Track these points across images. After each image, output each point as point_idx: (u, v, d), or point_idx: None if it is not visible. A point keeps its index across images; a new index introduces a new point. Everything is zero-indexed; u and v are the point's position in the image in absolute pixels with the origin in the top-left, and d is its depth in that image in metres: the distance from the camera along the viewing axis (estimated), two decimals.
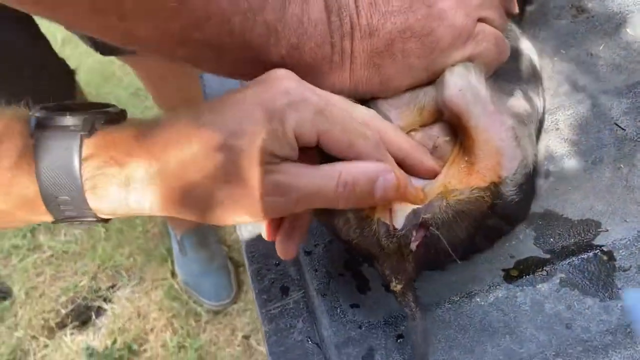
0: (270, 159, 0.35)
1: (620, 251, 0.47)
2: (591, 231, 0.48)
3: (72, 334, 1.46)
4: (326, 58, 0.42)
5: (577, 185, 0.51)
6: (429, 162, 0.42)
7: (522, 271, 0.47)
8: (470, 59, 0.43)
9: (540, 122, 0.49)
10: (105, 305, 1.50)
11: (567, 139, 0.54)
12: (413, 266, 0.41)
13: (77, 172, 0.35)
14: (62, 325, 1.48)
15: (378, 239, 0.41)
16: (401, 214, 0.40)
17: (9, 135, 0.36)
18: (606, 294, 0.44)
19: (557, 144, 0.53)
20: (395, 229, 0.40)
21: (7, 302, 1.53)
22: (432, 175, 0.43)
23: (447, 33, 0.42)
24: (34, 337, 1.48)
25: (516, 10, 0.54)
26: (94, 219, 0.38)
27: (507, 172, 0.41)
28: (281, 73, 0.38)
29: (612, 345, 0.42)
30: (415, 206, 0.41)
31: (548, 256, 0.47)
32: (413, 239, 0.40)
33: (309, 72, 0.42)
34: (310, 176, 0.36)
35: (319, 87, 0.41)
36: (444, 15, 0.42)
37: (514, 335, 0.43)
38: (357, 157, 0.38)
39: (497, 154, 0.41)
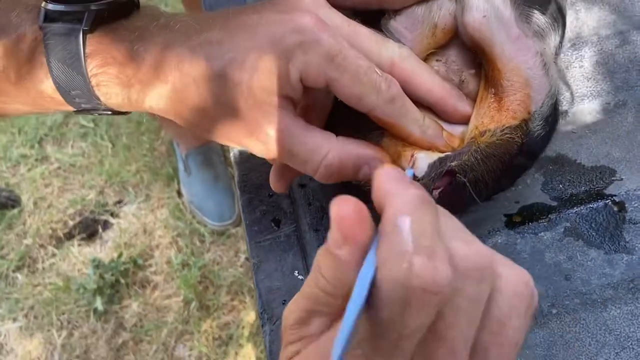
0: (266, 97, 0.34)
1: (633, 202, 0.44)
2: (604, 179, 0.45)
3: (79, 245, 1.49)
4: None
5: (595, 128, 0.48)
6: (463, 107, 0.39)
7: (525, 217, 0.44)
8: None
9: (560, 43, 0.45)
10: (111, 220, 1.51)
11: (590, 77, 0.50)
12: None
13: (83, 69, 0.35)
14: (69, 236, 1.51)
15: None
16: (424, 161, 0.37)
17: (21, 27, 0.35)
18: (612, 247, 0.42)
19: (579, 82, 0.49)
20: (415, 177, 0.37)
21: (16, 211, 1.55)
22: (466, 120, 0.40)
23: None
24: (42, 245, 1.51)
25: None
26: (110, 112, 0.38)
27: (536, 106, 0.38)
28: (308, 4, 0.35)
29: (612, 300, 0.40)
30: (444, 154, 0.38)
31: (555, 203, 0.45)
32: (435, 186, 0.37)
33: None
34: (298, 140, 0.35)
35: None
36: None
37: None
38: (366, 112, 0.35)
39: (526, 85, 0.37)
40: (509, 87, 0.37)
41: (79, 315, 1.40)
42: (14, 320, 1.42)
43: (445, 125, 0.39)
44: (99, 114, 0.38)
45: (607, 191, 0.45)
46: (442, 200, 0.38)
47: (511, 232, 0.44)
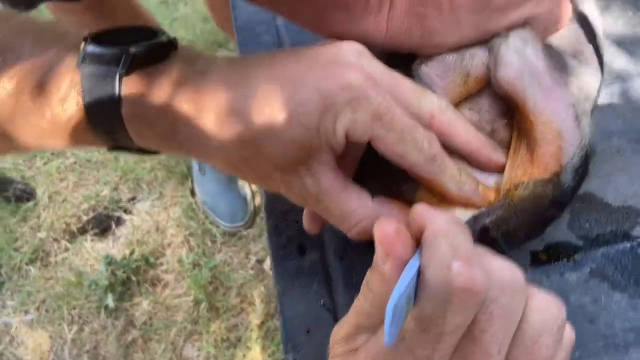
0: (311, 153, 0.35)
1: None
2: (631, 220, 0.45)
3: (92, 240, 1.50)
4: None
5: (623, 167, 0.48)
6: (498, 158, 0.40)
7: (551, 256, 0.44)
8: (527, 21, 0.39)
9: (595, 99, 0.45)
10: (125, 217, 1.53)
11: (620, 115, 0.49)
12: None
13: (119, 112, 0.35)
14: (83, 231, 1.52)
15: None
16: (460, 218, 0.38)
17: (59, 66, 0.35)
18: (637, 290, 0.42)
19: (609, 120, 0.49)
20: None
21: (31, 204, 1.57)
22: (500, 170, 0.40)
23: None
24: (55, 239, 1.52)
25: None
26: (146, 152, 0.39)
27: (568, 158, 0.38)
28: (352, 56, 0.35)
29: (635, 344, 0.41)
30: (478, 211, 0.38)
31: (581, 243, 0.45)
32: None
33: (340, 12, 0.38)
34: (335, 201, 0.36)
35: (349, 31, 0.38)
36: None
37: None
38: (406, 168, 0.36)
39: (559, 138, 0.37)
40: (542, 139, 0.37)
41: (90, 311, 1.41)
42: (26, 313, 1.43)
43: (479, 175, 0.40)
44: (135, 153, 0.39)
45: (634, 232, 0.45)
46: None
47: (537, 270, 0.44)
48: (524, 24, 0.39)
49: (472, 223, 0.38)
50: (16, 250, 1.51)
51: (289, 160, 0.35)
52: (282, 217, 0.49)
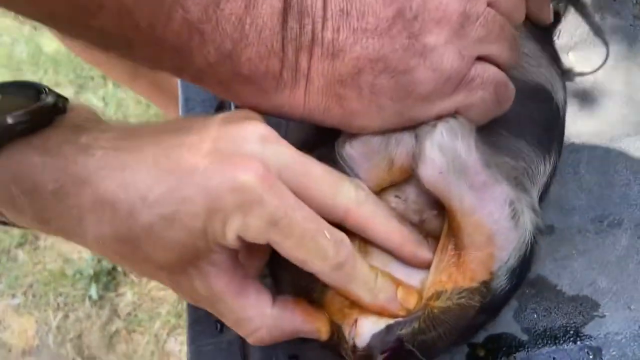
0: (198, 255, 0.31)
1: (611, 350, 0.39)
2: (584, 314, 0.41)
3: None
4: (271, 74, 0.32)
5: (583, 250, 0.43)
6: (422, 254, 0.35)
7: (490, 352, 0.40)
8: (458, 111, 0.34)
9: (547, 186, 0.40)
10: None
11: (585, 188, 0.44)
12: None
13: None
14: None
15: (339, 345, 0.35)
16: (368, 330, 0.33)
17: None
18: None
19: (571, 193, 0.44)
20: (355, 347, 0.33)
21: None
22: (427, 266, 0.36)
23: (430, 77, 0.32)
24: None
25: (550, 19, 0.42)
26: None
27: (500, 263, 0.33)
28: (252, 143, 0.31)
29: None
30: (393, 320, 0.34)
31: (525, 337, 0.40)
32: (380, 351, 0.34)
33: (248, 88, 0.33)
34: (227, 307, 0.32)
35: (262, 105, 0.34)
36: (429, 54, 0.31)
37: None
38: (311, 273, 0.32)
39: (489, 244, 0.33)
40: (470, 244, 0.33)
41: (76, 299, 1.41)
42: (13, 296, 1.44)
43: (404, 270, 0.35)
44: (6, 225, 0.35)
45: (585, 330, 0.40)
46: None
47: None
48: (456, 112, 0.33)
49: (385, 333, 0.34)
50: (5, 232, 1.51)
51: (172, 261, 0.31)
52: None
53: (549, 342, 0.40)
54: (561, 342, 0.40)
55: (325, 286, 0.35)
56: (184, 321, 1.36)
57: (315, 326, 0.34)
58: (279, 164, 0.31)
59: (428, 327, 0.33)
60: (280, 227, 0.30)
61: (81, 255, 1.45)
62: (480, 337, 0.41)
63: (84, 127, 0.32)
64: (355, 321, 0.33)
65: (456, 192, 0.32)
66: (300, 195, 0.31)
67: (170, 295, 1.39)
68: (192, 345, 0.42)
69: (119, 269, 1.41)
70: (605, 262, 0.42)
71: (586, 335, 0.40)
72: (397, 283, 0.34)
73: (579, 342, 0.40)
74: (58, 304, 1.41)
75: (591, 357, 0.39)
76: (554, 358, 0.39)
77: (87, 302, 1.39)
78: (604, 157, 0.45)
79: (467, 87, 0.33)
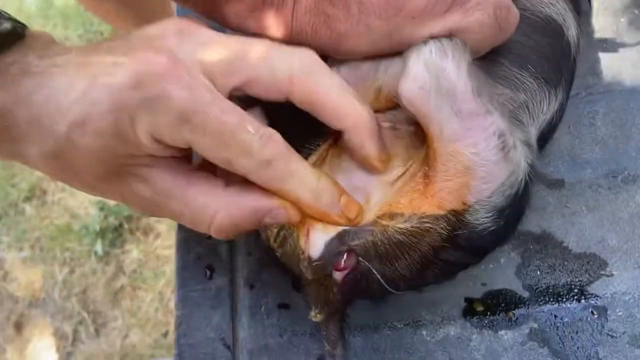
0: (121, 161, 0.29)
1: (617, 310, 0.37)
2: (591, 272, 0.39)
3: None
4: None
5: (593, 206, 0.40)
6: (377, 144, 0.32)
7: (489, 307, 0.38)
8: (453, 33, 0.31)
9: (552, 125, 0.37)
10: None
11: (599, 140, 0.41)
12: (339, 298, 0.33)
13: None
14: None
15: (298, 263, 0.33)
16: (320, 240, 0.31)
17: None
18: None
19: (584, 145, 0.41)
20: (310, 257, 0.31)
21: None
22: (378, 162, 0.32)
23: None
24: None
25: None
26: None
27: (479, 196, 0.31)
28: (168, 38, 0.29)
29: None
30: (342, 228, 0.32)
31: (526, 294, 0.38)
32: (339, 267, 0.32)
33: (234, 7, 0.31)
34: (179, 201, 0.30)
35: (247, 25, 0.32)
36: None
37: None
38: (242, 175, 0.29)
39: (465, 173, 0.30)
40: (443, 173, 0.30)
41: (82, 254, 1.41)
42: (20, 249, 1.45)
43: (352, 181, 0.33)
44: None
45: (591, 289, 0.38)
46: (348, 286, 0.32)
47: (468, 323, 0.38)
48: (450, 35, 0.31)
49: (337, 242, 0.32)
50: (13, 186, 1.51)
51: (100, 170, 0.29)
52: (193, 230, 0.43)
53: (552, 299, 0.38)
54: (564, 300, 0.38)
55: None
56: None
57: (279, 202, 0.30)
58: (200, 54, 0.29)
59: (385, 247, 0.31)
60: (193, 124, 0.27)
61: (88, 212, 1.45)
62: (479, 293, 0.39)
63: (37, 50, 0.30)
64: (307, 230, 0.32)
65: (436, 115, 0.30)
66: (235, 80, 0.29)
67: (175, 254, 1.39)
68: (181, 290, 0.41)
69: (125, 226, 1.41)
70: (616, 220, 0.40)
71: (591, 294, 0.38)
72: (341, 191, 0.31)
73: (583, 301, 0.38)
74: (64, 259, 1.42)
75: (595, 316, 0.37)
76: (555, 316, 0.37)
77: (93, 258, 1.40)
78: (622, 109, 0.42)
79: (462, 7, 0.30)
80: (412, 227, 0.31)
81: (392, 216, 0.32)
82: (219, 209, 0.30)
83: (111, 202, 1.43)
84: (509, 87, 0.34)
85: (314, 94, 0.30)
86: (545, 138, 0.38)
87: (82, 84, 0.27)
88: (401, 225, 0.31)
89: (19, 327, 1.38)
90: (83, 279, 1.40)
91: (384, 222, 0.32)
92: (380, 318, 0.38)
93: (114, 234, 1.41)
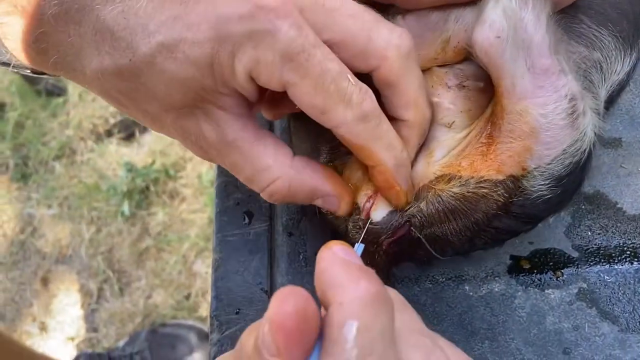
0: (201, 95, 0.27)
1: None
2: None
3: (117, 144, 1.50)
4: None
5: None
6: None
7: (535, 266, 0.37)
8: None
9: (622, 86, 0.35)
10: None
11: None
12: (384, 259, 0.32)
13: None
14: (109, 134, 1.52)
15: (346, 223, 0.32)
16: (384, 208, 0.31)
17: None
18: (630, 324, 0.35)
19: None
20: (368, 220, 0.31)
21: (61, 100, 1.56)
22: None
23: None
24: (82, 138, 1.52)
25: None
26: (28, 70, 0.32)
27: (539, 162, 0.29)
28: None
29: None
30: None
31: (575, 254, 0.37)
32: (393, 237, 0.31)
33: None
34: (242, 155, 0.29)
35: None
36: None
37: (495, 344, 0.35)
38: (329, 127, 0.28)
39: (530, 135, 0.29)
40: (507, 132, 0.29)
41: (109, 214, 1.43)
42: (49, 207, 1.47)
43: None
44: (17, 72, 0.32)
45: None
46: (394, 252, 0.31)
47: (513, 280, 0.37)
48: None
49: (397, 215, 0.31)
50: (44, 144, 1.53)
51: (176, 100, 0.28)
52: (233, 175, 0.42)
53: (602, 260, 0.36)
54: (616, 261, 0.36)
55: (347, 154, 0.32)
56: (211, 244, 1.37)
57: (339, 191, 0.31)
58: (305, 1, 0.27)
59: (438, 213, 0.30)
60: (297, 64, 0.26)
61: (116, 172, 1.46)
62: (526, 251, 0.38)
63: None
64: (376, 194, 0.30)
65: (510, 68, 0.28)
66: (330, 34, 0.27)
67: (199, 218, 1.40)
68: (219, 234, 0.41)
69: (152, 188, 1.42)
70: None
71: None
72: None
73: (635, 263, 0.36)
74: (92, 218, 1.44)
75: None
76: (605, 277, 0.36)
77: (119, 218, 1.41)
78: None
79: None
80: (468, 192, 0.30)
81: (449, 179, 0.30)
82: (283, 176, 0.29)
83: (139, 164, 1.44)
84: (584, 45, 0.32)
85: (400, 77, 0.29)
86: (612, 99, 0.36)
87: (174, 8, 0.26)
88: (456, 190, 0.30)
89: (45, 282, 1.40)
90: (109, 238, 1.41)
91: (439, 187, 0.30)
92: (422, 271, 0.37)
93: (141, 196, 1.42)
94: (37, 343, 1.33)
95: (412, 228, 0.30)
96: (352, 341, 0.19)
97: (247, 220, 0.41)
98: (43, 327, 1.37)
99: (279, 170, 0.29)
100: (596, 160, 0.39)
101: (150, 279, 1.37)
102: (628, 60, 0.34)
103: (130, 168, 1.42)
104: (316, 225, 0.40)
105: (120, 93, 0.29)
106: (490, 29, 0.28)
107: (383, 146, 0.29)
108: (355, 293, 0.19)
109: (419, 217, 0.30)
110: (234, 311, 0.38)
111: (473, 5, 0.30)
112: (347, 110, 0.27)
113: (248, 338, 0.21)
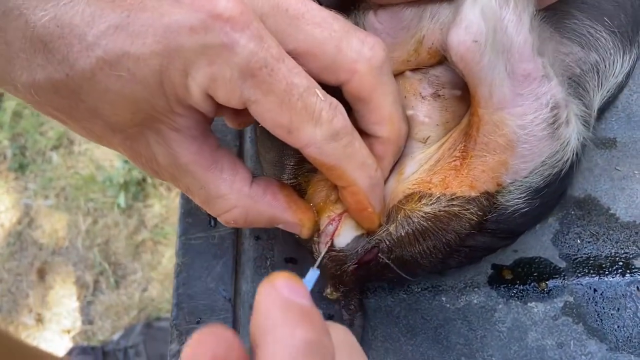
0: (151, 115, 0.25)
1: None
2: (638, 244, 0.34)
3: None
4: None
5: None
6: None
7: (518, 277, 0.34)
8: None
9: (621, 87, 0.32)
10: None
11: None
12: (354, 279, 0.30)
13: None
14: None
15: (313, 244, 0.29)
16: (350, 230, 0.28)
17: None
18: (620, 342, 0.32)
19: None
20: (332, 247, 0.28)
21: None
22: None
23: None
24: None
25: None
26: None
27: (515, 176, 0.27)
28: None
29: None
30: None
31: (562, 264, 0.34)
32: (360, 262, 0.28)
33: None
34: (197, 179, 0.26)
35: None
36: None
37: None
38: (298, 147, 0.25)
39: (506, 149, 0.26)
40: (482, 145, 0.26)
41: (105, 206, 1.41)
42: (46, 197, 1.45)
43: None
44: None
45: (638, 262, 0.33)
46: (362, 272, 0.29)
47: (494, 292, 0.34)
48: None
49: (365, 240, 0.28)
50: (41, 134, 1.51)
51: (124, 120, 0.25)
52: None
53: (592, 271, 0.34)
54: (606, 273, 0.33)
55: (311, 171, 0.29)
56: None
57: (299, 218, 0.29)
58: (264, 6, 0.24)
59: (408, 236, 0.28)
60: (258, 80, 0.23)
61: (112, 164, 1.44)
62: (509, 260, 0.35)
63: None
64: (340, 217, 0.28)
65: (488, 74, 0.25)
66: (294, 45, 0.25)
67: None
68: (182, 237, 0.38)
69: (149, 180, 1.40)
70: None
71: (638, 268, 0.33)
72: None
73: (628, 276, 0.33)
74: (88, 209, 1.42)
75: None
76: (595, 290, 0.33)
77: (116, 210, 1.39)
78: None
79: None
80: (439, 211, 0.27)
81: (420, 197, 0.28)
82: (239, 205, 0.27)
83: None
84: (579, 44, 0.29)
85: (372, 92, 0.26)
86: (608, 104, 0.33)
87: (115, 15, 0.23)
88: (427, 209, 0.27)
89: (42, 273, 1.39)
90: (105, 230, 1.40)
91: (408, 207, 0.28)
92: (396, 281, 0.35)
93: (137, 188, 1.40)
94: (33, 335, 1.32)
95: (379, 254, 0.28)
96: None
97: (212, 222, 0.38)
98: (39, 319, 1.36)
99: (235, 200, 0.27)
100: (588, 161, 0.36)
101: (146, 271, 1.35)
102: (628, 58, 0.31)
103: (126, 159, 1.40)
104: (284, 231, 0.37)
105: (58, 110, 0.25)
106: (466, 31, 0.24)
107: (356, 165, 0.26)
108: (288, 342, 0.17)
109: (387, 242, 0.28)
110: (195, 320, 0.36)
111: (451, 2, 0.27)
112: (317, 129, 0.24)
113: None
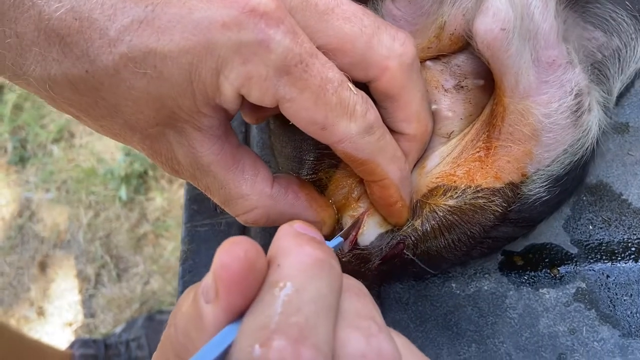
0: (176, 113, 0.24)
1: None
2: None
3: None
4: None
5: None
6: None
7: (529, 262, 0.34)
8: None
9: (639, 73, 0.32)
10: None
11: None
12: (376, 274, 0.29)
13: None
14: None
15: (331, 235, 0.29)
16: (374, 228, 0.28)
17: None
18: (633, 328, 0.31)
19: None
20: (356, 244, 0.28)
21: None
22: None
23: None
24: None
25: None
26: None
27: (539, 165, 0.26)
28: None
29: None
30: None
31: (574, 250, 0.34)
32: (378, 258, 0.28)
33: None
34: (218, 180, 0.26)
35: None
36: None
37: (482, 347, 0.32)
38: (330, 144, 0.25)
39: (531, 139, 0.25)
40: (507, 135, 0.26)
41: (106, 199, 1.41)
42: (47, 191, 1.45)
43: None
44: None
45: None
46: (384, 270, 0.28)
47: (504, 278, 0.33)
48: None
49: (387, 237, 0.28)
50: (42, 127, 1.51)
51: (145, 119, 0.24)
52: None
53: (604, 257, 0.33)
54: (619, 259, 0.33)
55: (332, 166, 0.29)
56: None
57: (321, 216, 0.28)
58: (294, 1, 0.24)
59: (433, 231, 0.27)
60: (294, 77, 0.22)
61: (114, 157, 1.44)
62: (520, 246, 0.34)
63: None
64: (363, 215, 0.27)
65: (514, 62, 0.24)
66: (324, 40, 0.24)
67: None
68: (188, 224, 0.38)
69: (150, 173, 1.40)
70: None
71: None
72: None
73: None
74: (90, 202, 1.42)
75: None
76: (607, 276, 0.33)
77: (117, 203, 1.39)
78: None
79: None
80: (465, 204, 0.27)
81: (444, 191, 0.27)
82: (260, 206, 0.27)
83: None
84: (602, 30, 0.28)
85: (402, 90, 0.25)
86: (628, 89, 0.33)
87: (139, 9, 0.22)
88: (452, 203, 0.27)
89: (43, 267, 1.39)
90: (107, 223, 1.40)
91: (433, 201, 0.27)
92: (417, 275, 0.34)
93: (139, 181, 1.40)
94: (35, 328, 1.32)
95: (404, 249, 0.27)
96: (279, 300, 0.17)
97: (218, 209, 0.38)
98: (41, 312, 1.35)
99: (256, 201, 0.26)
100: (600, 146, 0.35)
101: (147, 264, 1.35)
102: None
103: (128, 152, 1.40)
104: None
105: (74, 107, 0.24)
106: (494, 19, 0.24)
107: (388, 159, 0.26)
108: (296, 257, 0.18)
109: (412, 237, 0.27)
110: None
111: None
112: (351, 123, 0.24)
113: (187, 296, 0.19)
